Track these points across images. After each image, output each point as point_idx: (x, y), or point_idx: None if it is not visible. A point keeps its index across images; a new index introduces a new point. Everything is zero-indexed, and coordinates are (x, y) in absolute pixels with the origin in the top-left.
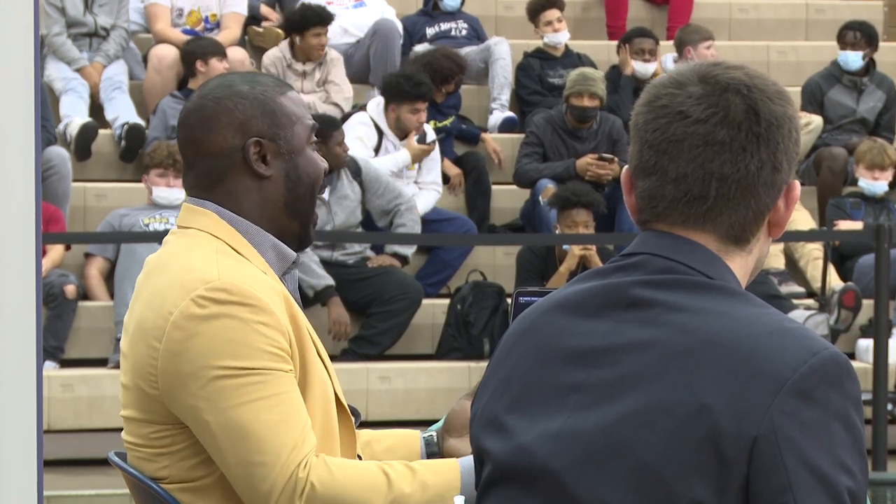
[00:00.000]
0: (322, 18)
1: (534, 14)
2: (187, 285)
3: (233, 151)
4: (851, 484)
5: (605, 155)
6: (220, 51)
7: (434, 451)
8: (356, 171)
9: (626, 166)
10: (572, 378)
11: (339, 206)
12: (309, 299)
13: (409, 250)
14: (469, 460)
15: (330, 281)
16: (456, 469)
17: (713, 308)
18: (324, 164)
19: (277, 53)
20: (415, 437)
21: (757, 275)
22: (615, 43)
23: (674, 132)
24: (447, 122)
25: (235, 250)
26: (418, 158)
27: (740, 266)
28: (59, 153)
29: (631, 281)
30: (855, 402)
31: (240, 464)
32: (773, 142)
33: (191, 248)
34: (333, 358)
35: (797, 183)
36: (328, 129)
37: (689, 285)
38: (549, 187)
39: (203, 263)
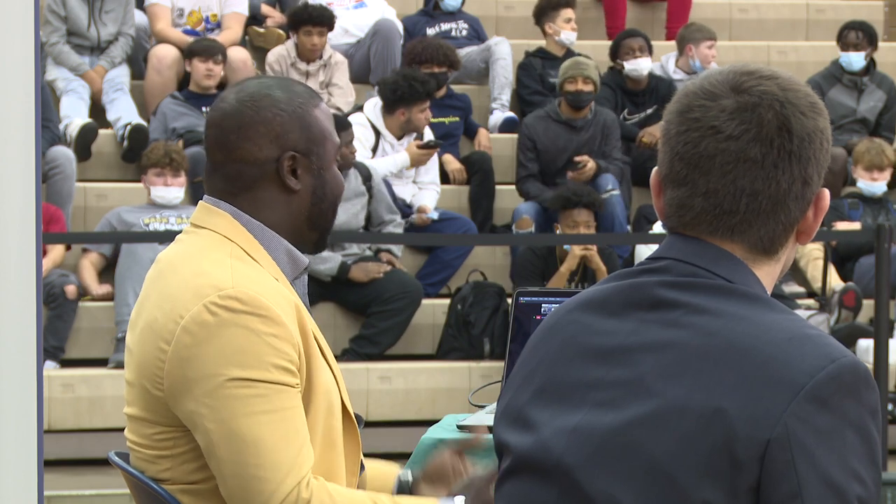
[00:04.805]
0: (312, 18)
1: (544, 13)
2: (200, 291)
3: (266, 162)
4: (863, 493)
5: (576, 159)
6: (221, 52)
7: (405, 493)
8: (367, 177)
9: (655, 168)
10: (592, 375)
11: (342, 208)
12: (328, 286)
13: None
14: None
15: (338, 259)
16: None
17: (735, 312)
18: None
19: (282, 51)
20: (392, 474)
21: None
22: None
23: (705, 147)
24: (446, 121)
25: (249, 255)
26: (418, 163)
27: (767, 273)
28: (65, 153)
29: (656, 281)
30: (872, 412)
31: (236, 475)
32: (804, 157)
33: (205, 251)
34: (335, 358)
35: (826, 192)
36: (336, 128)
37: (711, 289)
38: (524, 218)
39: (217, 269)
